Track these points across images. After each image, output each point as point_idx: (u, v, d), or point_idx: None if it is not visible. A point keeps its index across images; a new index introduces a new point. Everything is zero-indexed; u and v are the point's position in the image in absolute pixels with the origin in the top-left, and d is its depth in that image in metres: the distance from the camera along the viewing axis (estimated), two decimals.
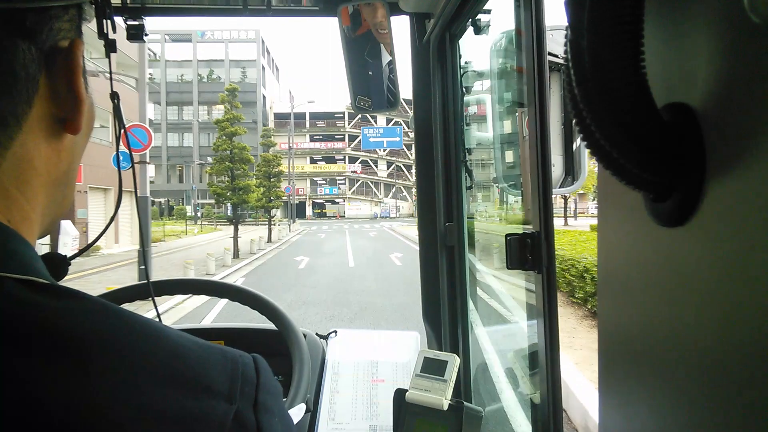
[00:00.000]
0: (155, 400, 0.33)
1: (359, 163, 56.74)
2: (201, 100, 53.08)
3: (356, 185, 57.28)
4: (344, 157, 56.80)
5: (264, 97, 54.15)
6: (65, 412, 0.31)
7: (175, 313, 8.22)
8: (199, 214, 47.58)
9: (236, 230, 17.81)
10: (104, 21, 0.48)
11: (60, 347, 0.33)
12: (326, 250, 19.96)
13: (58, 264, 0.48)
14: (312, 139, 57.30)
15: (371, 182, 57.11)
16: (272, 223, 25.52)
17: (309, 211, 56.75)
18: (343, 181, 57.22)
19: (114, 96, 0.51)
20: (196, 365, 0.37)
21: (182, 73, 54.70)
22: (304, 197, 56.62)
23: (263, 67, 54.26)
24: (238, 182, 19.02)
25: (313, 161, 57.46)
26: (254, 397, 0.38)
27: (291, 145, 37.40)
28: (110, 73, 0.51)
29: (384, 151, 53.98)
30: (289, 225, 31.97)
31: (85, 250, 0.57)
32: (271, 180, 25.18)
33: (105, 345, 0.34)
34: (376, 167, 57.23)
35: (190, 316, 8.07)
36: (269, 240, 23.83)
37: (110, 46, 0.49)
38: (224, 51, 53.85)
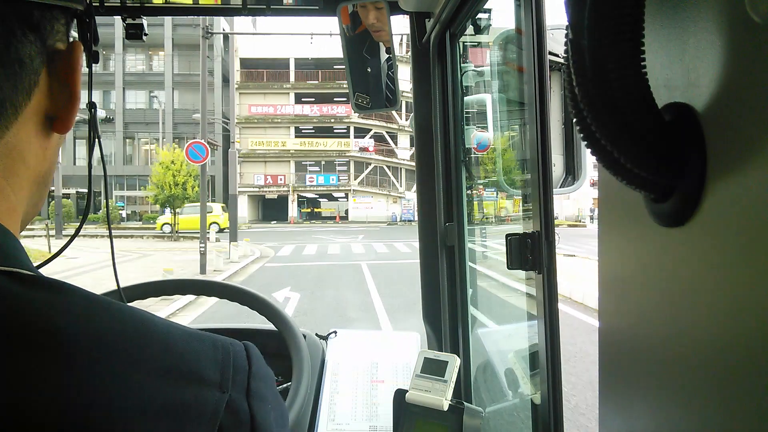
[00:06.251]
0: (146, 393, 0.33)
1: (371, 137, 33.99)
2: (130, 43, 21.56)
3: (366, 171, 34.32)
4: (348, 128, 34.47)
5: (227, 37, 28.48)
6: (48, 406, 0.31)
7: None
8: (124, 214, 30.81)
9: None
10: (88, 33, 0.49)
11: (43, 340, 0.32)
12: None
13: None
14: (299, 100, 34.55)
15: (388, 167, 34.30)
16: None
17: (293, 210, 34.73)
18: (346, 166, 34.87)
19: (92, 105, 0.52)
20: (186, 355, 0.37)
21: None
22: (285, 189, 34.32)
23: None
24: None
25: (300, 133, 34.91)
26: (246, 384, 0.38)
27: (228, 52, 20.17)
28: (89, 83, 0.52)
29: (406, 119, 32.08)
30: (201, 253, 10.94)
31: (56, 256, 0.57)
32: None
33: (90, 337, 0.34)
34: (396, 144, 34.11)
35: None
36: None
37: (93, 58, 0.50)
38: None
